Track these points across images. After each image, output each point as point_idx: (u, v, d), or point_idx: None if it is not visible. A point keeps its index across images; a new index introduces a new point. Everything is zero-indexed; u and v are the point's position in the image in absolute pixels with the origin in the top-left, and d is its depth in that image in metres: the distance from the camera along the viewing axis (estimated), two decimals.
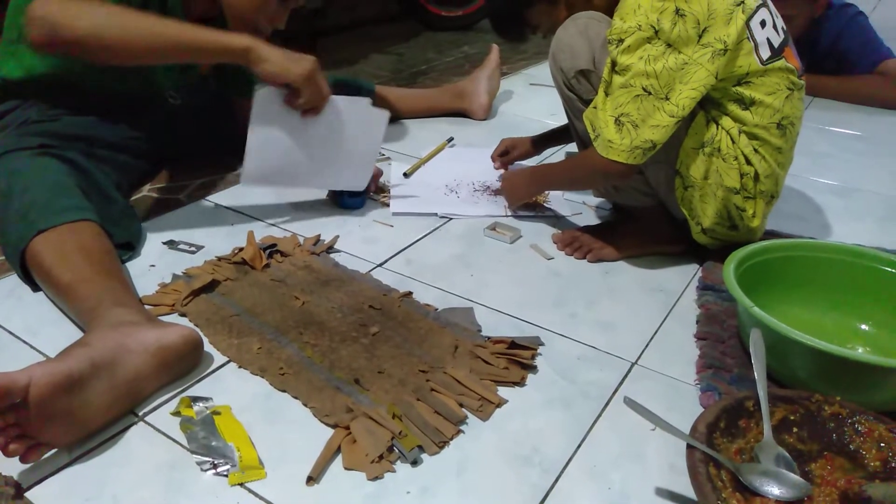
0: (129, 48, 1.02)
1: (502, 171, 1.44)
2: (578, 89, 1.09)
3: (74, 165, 1.09)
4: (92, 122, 1.22)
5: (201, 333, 0.94)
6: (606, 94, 1.01)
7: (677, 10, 0.95)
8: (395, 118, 1.81)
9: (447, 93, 1.87)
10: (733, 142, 1.02)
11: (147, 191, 1.40)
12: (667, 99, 0.97)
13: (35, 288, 1.03)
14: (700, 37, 0.96)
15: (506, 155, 1.44)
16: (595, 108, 1.03)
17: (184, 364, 0.88)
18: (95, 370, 0.76)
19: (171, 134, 1.40)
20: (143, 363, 0.82)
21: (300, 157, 1.23)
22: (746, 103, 1.01)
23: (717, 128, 1.02)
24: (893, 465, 0.71)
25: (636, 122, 0.98)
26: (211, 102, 1.46)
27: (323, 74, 1.15)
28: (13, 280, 1.06)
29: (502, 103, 1.99)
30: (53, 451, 0.76)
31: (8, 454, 0.70)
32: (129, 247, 1.14)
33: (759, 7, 1.00)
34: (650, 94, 0.97)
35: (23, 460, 0.72)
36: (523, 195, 1.29)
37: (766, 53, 1.00)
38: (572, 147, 1.43)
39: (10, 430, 0.70)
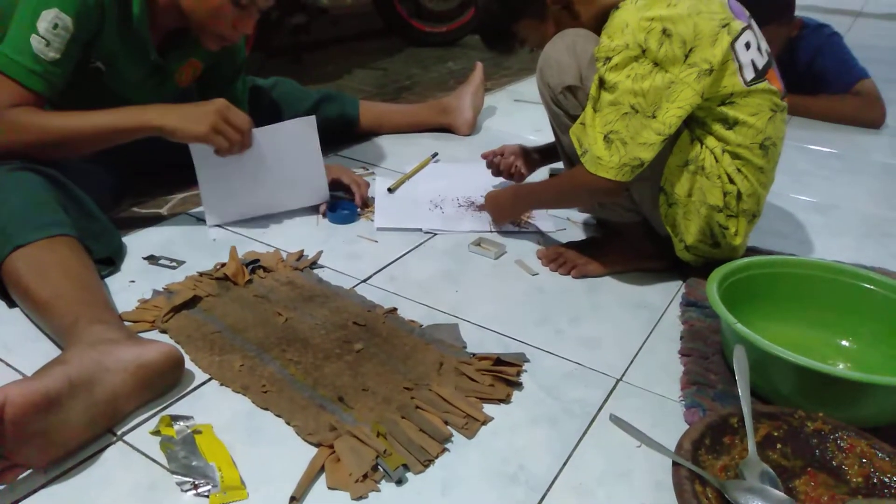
0: (68, 150, 1.12)
1: (487, 188, 1.43)
2: (565, 105, 1.10)
3: (53, 180, 1.07)
4: None
5: (182, 350, 0.92)
6: (595, 111, 1.02)
7: (664, 31, 0.96)
8: (380, 133, 1.81)
9: (432, 108, 1.87)
10: (717, 160, 1.03)
11: (128, 205, 1.38)
12: (654, 117, 0.98)
13: (11, 304, 1.01)
14: (686, 56, 0.97)
15: (499, 156, 1.41)
16: (583, 124, 1.04)
17: (164, 382, 0.86)
18: (73, 389, 0.75)
19: (155, 148, 1.39)
20: (122, 382, 0.80)
21: (252, 188, 1.29)
22: (730, 123, 1.03)
23: (702, 146, 1.04)
24: (875, 481, 0.71)
25: (625, 140, 0.99)
26: None
27: (233, 111, 1.16)
28: None
29: (487, 119, 2.00)
30: (29, 472, 0.74)
31: None
32: (109, 262, 1.12)
33: (744, 29, 1.02)
34: (638, 112, 0.98)
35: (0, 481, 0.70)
36: (507, 215, 1.29)
37: (749, 75, 1.02)
38: (555, 164, 1.43)
39: None
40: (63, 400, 0.73)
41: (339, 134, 1.73)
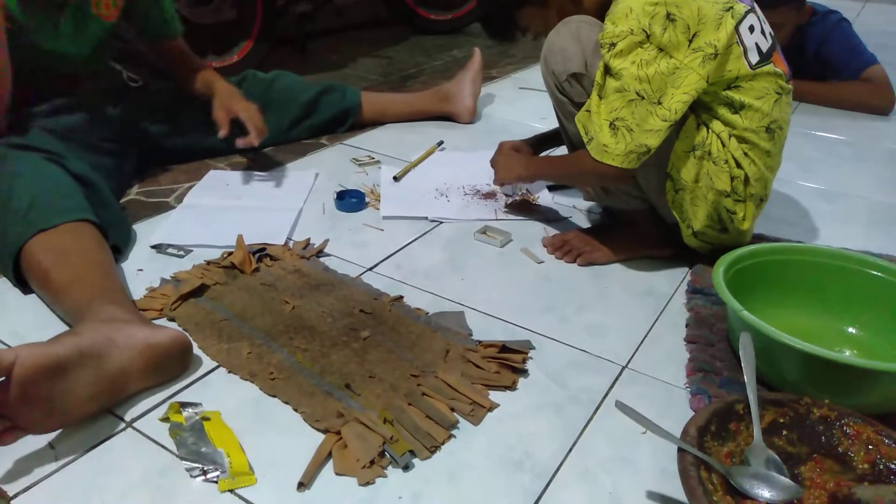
0: None
1: (492, 177, 1.43)
2: (570, 92, 1.09)
3: (70, 169, 1.09)
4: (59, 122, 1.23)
5: (190, 338, 0.93)
6: (600, 98, 1.01)
7: (668, 15, 0.95)
8: (382, 122, 1.81)
9: (432, 96, 1.86)
10: (723, 145, 1.03)
11: (135, 194, 1.38)
12: (659, 103, 0.97)
13: (26, 290, 1.02)
14: (690, 41, 0.96)
15: None
16: (588, 111, 1.03)
17: (171, 366, 0.87)
18: (82, 359, 0.76)
19: (137, 121, 1.41)
20: (130, 360, 0.81)
21: (221, 221, 1.27)
22: (736, 107, 1.02)
23: (708, 131, 1.03)
24: (881, 467, 0.71)
25: (631, 127, 0.99)
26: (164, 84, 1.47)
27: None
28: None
29: (491, 107, 2.00)
30: (42, 449, 0.75)
31: None
32: (115, 250, 1.13)
33: (747, 13, 1.01)
34: (643, 98, 0.98)
35: None
36: (515, 175, 1.27)
37: (754, 58, 1.01)
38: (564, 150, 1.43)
39: None
40: (71, 368, 0.75)
41: (341, 125, 1.74)
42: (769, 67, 1.02)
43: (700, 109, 1.04)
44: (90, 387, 0.78)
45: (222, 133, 1.36)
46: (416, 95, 1.89)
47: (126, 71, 1.39)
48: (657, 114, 0.98)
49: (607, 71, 1.00)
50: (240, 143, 1.36)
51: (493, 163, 1.32)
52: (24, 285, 1.02)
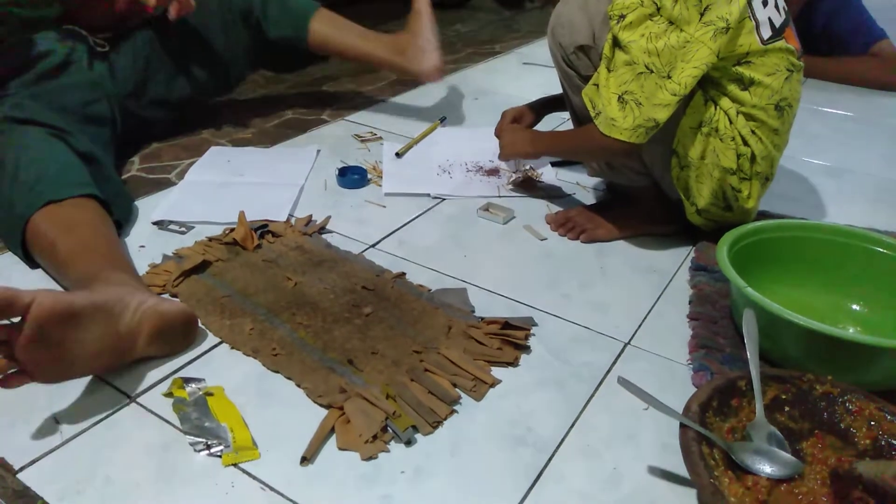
0: None
1: (495, 153, 1.42)
2: (577, 65, 1.08)
3: (73, 144, 1.09)
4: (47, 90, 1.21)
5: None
6: (609, 71, 1.00)
7: None
8: (327, 52, 1.59)
9: (387, 45, 1.54)
10: (731, 122, 1.02)
11: (136, 170, 1.38)
12: (668, 77, 0.96)
13: (32, 265, 1.03)
14: (702, 15, 0.95)
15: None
16: (595, 85, 1.02)
17: (176, 337, 0.88)
18: (95, 312, 0.78)
19: (113, 86, 1.37)
20: (139, 322, 0.83)
21: (222, 198, 1.26)
22: (746, 83, 1.00)
23: (716, 108, 1.02)
24: (883, 443, 0.71)
25: (640, 101, 0.97)
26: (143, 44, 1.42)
27: None
28: (3, 260, 1.05)
29: (494, 83, 1.98)
30: (46, 424, 0.75)
31: None
32: (117, 226, 1.13)
33: None
34: (652, 72, 0.96)
35: (3, 383, 0.73)
36: (520, 150, 1.26)
37: (766, 33, 0.99)
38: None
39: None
40: (84, 318, 0.76)
41: (287, 51, 1.56)
42: (781, 43, 1.01)
43: (708, 85, 1.02)
44: (99, 342, 0.78)
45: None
46: (372, 35, 1.57)
47: (91, 37, 1.34)
48: (666, 88, 0.96)
49: (616, 43, 0.98)
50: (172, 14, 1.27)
51: (498, 136, 1.31)
52: (30, 259, 1.03)
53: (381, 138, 1.56)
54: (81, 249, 0.94)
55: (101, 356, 0.80)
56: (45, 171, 1.02)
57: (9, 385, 0.73)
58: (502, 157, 1.30)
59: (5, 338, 0.72)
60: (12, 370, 0.73)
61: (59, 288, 0.98)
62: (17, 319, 0.72)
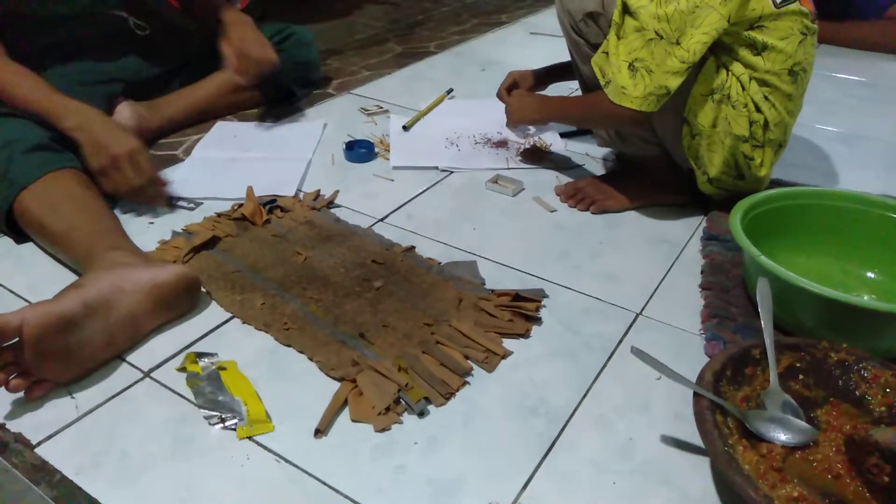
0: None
1: (503, 125, 1.40)
2: (586, 33, 1.06)
3: (45, 124, 1.08)
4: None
5: (204, 288, 0.94)
6: (618, 38, 0.98)
7: None
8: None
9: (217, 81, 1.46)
10: (743, 88, 1.00)
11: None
12: (677, 43, 0.94)
13: (19, 240, 1.04)
14: None
15: (514, 88, 1.39)
16: (605, 53, 1.00)
17: (180, 302, 0.89)
18: (89, 310, 0.78)
19: (138, 70, 1.39)
20: (138, 302, 0.83)
21: (230, 172, 1.26)
22: (758, 48, 0.98)
23: (728, 74, 1.00)
24: None
25: (650, 68, 0.95)
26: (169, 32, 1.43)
27: (136, 164, 1.07)
28: (11, 240, 1.05)
29: (501, 53, 1.95)
30: (63, 399, 0.76)
31: (10, 389, 0.74)
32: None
33: None
34: (662, 38, 0.94)
35: (28, 396, 0.76)
36: (528, 117, 1.24)
37: None
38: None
39: (9, 367, 0.74)
40: (79, 320, 0.77)
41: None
42: (795, 6, 0.98)
43: (720, 51, 1.00)
44: (104, 334, 0.80)
45: (231, 70, 1.30)
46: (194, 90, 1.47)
47: (132, 18, 1.35)
48: (676, 54, 0.94)
49: (625, 10, 0.96)
50: (239, 75, 1.30)
51: (505, 102, 1.29)
52: (17, 235, 1.04)
53: (387, 111, 1.54)
54: (68, 230, 0.94)
55: (111, 345, 0.81)
56: (11, 156, 1.00)
57: (33, 396, 0.76)
58: (510, 123, 1.28)
59: (12, 358, 0.74)
60: (30, 381, 0.75)
61: (66, 266, 0.98)
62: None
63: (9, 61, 1.11)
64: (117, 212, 1.12)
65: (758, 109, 1.01)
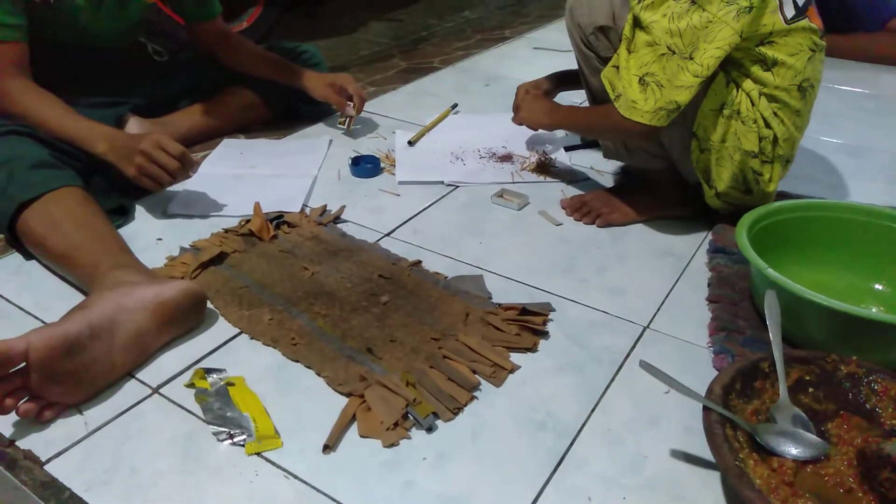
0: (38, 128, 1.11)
1: (508, 139, 1.41)
2: (596, 46, 1.07)
3: (47, 143, 1.09)
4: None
5: (211, 305, 0.94)
6: (629, 52, 0.98)
7: None
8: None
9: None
10: (753, 104, 1.00)
11: None
12: (690, 58, 0.94)
13: (28, 256, 1.05)
14: None
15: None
16: (615, 67, 1.00)
17: (186, 318, 0.89)
18: (94, 332, 0.78)
19: (158, 92, 1.41)
20: (143, 320, 0.83)
21: (233, 189, 1.27)
22: (769, 64, 0.98)
23: (738, 90, 1.00)
24: None
25: (661, 83, 0.96)
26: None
27: (164, 146, 1.08)
28: (20, 257, 1.06)
29: (505, 68, 1.96)
30: (72, 416, 0.76)
31: (21, 415, 0.74)
32: (122, 211, 1.15)
33: None
34: (674, 53, 0.94)
35: (38, 419, 0.75)
36: (537, 119, 1.24)
37: (790, 12, 0.97)
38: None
39: (19, 392, 0.74)
40: (85, 342, 0.77)
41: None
42: (804, 22, 0.98)
43: (730, 67, 1.00)
44: (110, 355, 0.80)
45: (348, 112, 1.46)
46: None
47: (151, 44, 1.38)
48: (688, 69, 0.94)
49: (637, 24, 0.97)
50: (349, 111, 1.47)
51: (518, 98, 1.30)
52: (24, 252, 1.05)
53: (352, 115, 1.50)
54: (70, 249, 0.95)
55: (119, 365, 0.81)
56: (12, 173, 1.00)
57: (44, 419, 0.76)
58: (517, 120, 1.28)
59: (20, 383, 0.74)
60: (40, 405, 0.75)
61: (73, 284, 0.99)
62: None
63: (38, 89, 1.12)
64: (124, 230, 1.13)
65: (767, 125, 1.01)
